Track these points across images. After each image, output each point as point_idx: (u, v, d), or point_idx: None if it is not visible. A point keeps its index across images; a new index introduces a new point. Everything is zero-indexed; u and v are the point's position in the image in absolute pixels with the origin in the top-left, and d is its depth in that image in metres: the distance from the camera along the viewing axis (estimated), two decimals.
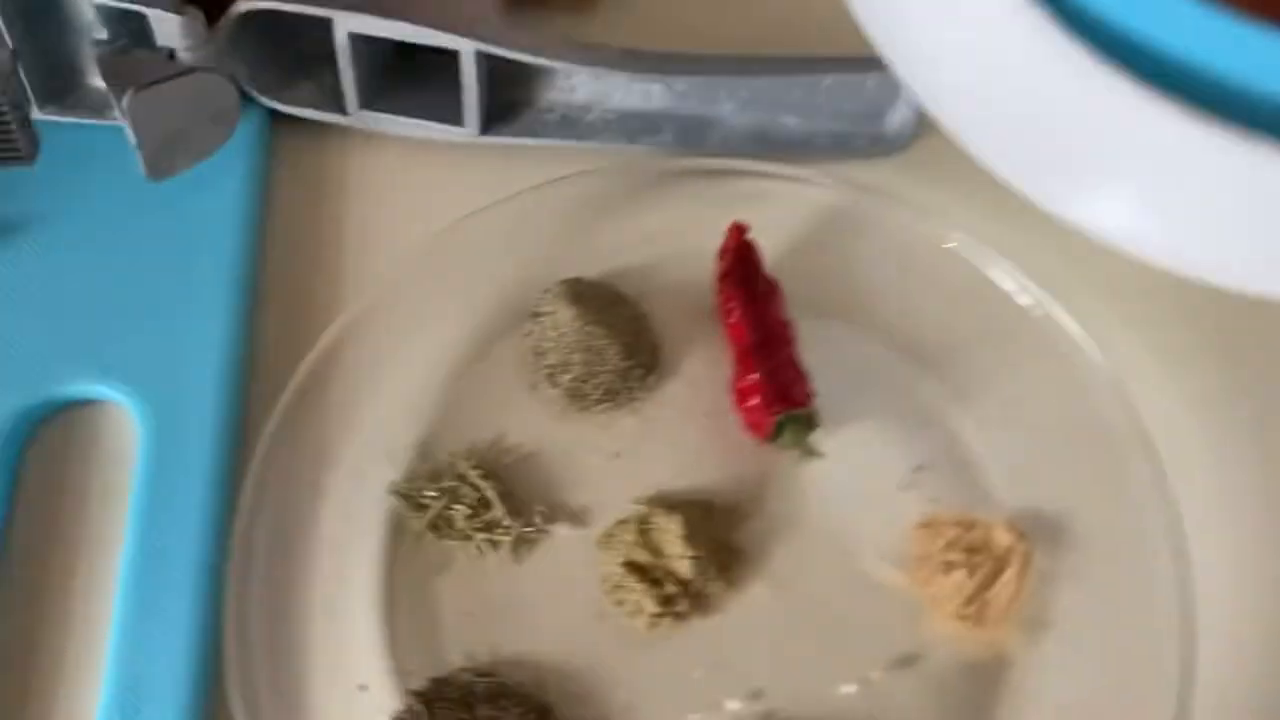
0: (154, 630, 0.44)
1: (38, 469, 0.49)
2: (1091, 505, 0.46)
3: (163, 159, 0.50)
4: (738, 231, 0.50)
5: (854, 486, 0.47)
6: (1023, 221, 0.53)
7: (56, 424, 0.50)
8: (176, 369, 0.49)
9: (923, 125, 0.55)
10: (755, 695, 0.43)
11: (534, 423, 0.49)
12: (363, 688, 0.43)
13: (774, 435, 0.46)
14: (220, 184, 0.54)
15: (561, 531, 0.47)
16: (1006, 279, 0.50)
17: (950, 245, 0.51)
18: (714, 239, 0.51)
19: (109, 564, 0.46)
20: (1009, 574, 0.45)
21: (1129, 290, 0.52)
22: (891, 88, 0.53)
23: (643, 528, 0.46)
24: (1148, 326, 0.52)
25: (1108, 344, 0.48)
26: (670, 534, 0.45)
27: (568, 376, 0.49)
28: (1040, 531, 0.45)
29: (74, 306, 0.52)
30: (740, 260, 0.50)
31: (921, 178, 0.55)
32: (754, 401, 0.46)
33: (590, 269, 0.52)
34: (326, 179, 0.57)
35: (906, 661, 0.44)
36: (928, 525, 0.46)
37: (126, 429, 0.50)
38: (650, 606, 0.44)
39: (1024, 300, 0.49)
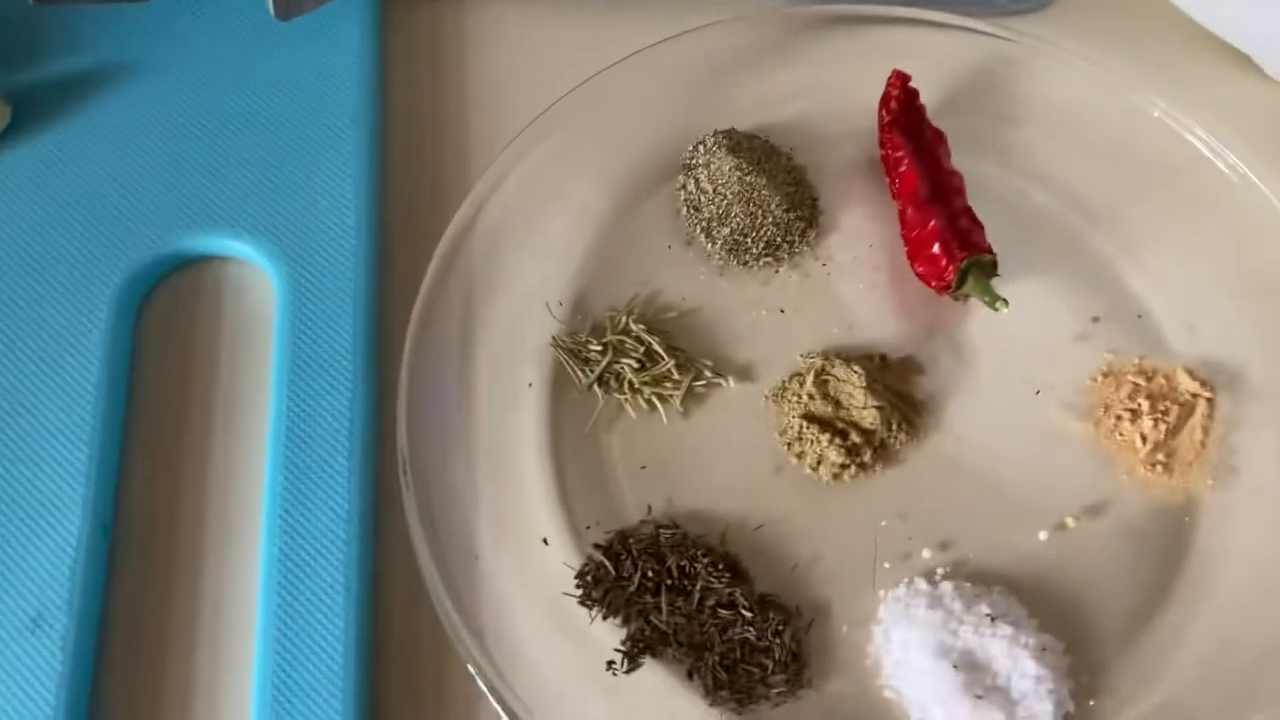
0: (310, 498, 0.41)
1: (160, 326, 0.46)
2: (1271, 354, 0.45)
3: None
4: (901, 79, 0.48)
5: (1030, 338, 0.46)
6: (1176, 71, 0.52)
7: (182, 280, 0.47)
8: (311, 223, 0.47)
9: None
10: (945, 545, 0.42)
11: (692, 279, 0.47)
12: (544, 541, 0.41)
13: (956, 284, 0.44)
14: (342, 33, 0.51)
15: (731, 386, 0.45)
16: (1175, 125, 0.48)
17: (1119, 95, 0.49)
18: (865, 91, 0.49)
19: (256, 429, 0.44)
20: (1194, 420, 0.44)
21: None
22: None
23: (820, 379, 0.44)
24: None
25: (1277, 190, 0.47)
26: (851, 385, 0.43)
27: (726, 230, 0.47)
28: (1221, 380, 0.45)
29: (197, 155, 0.48)
30: (905, 108, 0.48)
31: (1064, 34, 0.53)
32: (933, 249, 0.45)
33: (739, 122, 0.49)
34: (448, 34, 0.54)
35: (1096, 510, 0.43)
36: (1109, 374, 0.45)
37: (260, 287, 0.47)
38: (835, 457, 0.42)
39: (1195, 148, 0.48)
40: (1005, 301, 0.44)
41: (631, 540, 0.41)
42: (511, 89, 0.52)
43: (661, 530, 0.42)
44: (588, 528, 0.42)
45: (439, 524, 0.40)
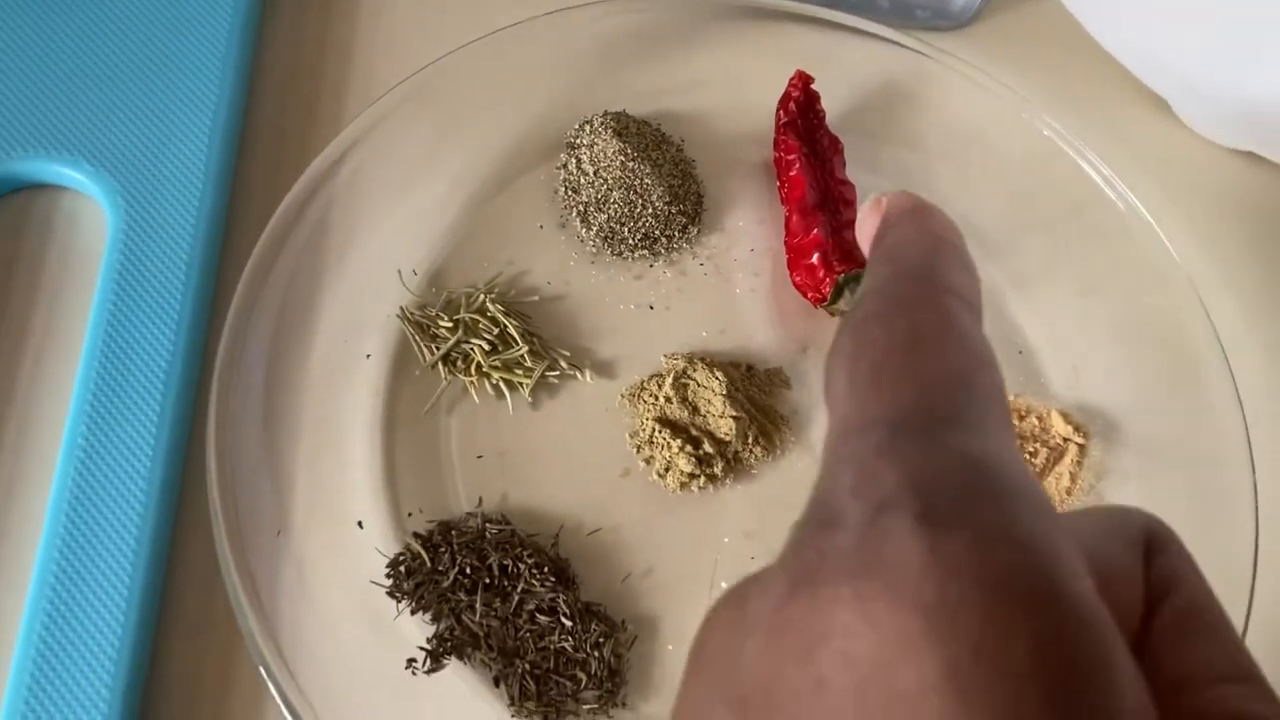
0: (112, 449, 0.38)
1: None
2: (1153, 405, 0.43)
3: None
4: (803, 80, 0.46)
5: None
6: (1091, 108, 0.51)
7: (9, 207, 0.44)
8: (157, 160, 0.43)
9: (988, 3, 0.51)
10: None
11: (561, 264, 0.44)
12: (359, 524, 0.38)
13: (831, 297, 0.42)
14: None
15: (587, 380, 0.42)
16: (1081, 162, 0.47)
17: (1024, 121, 0.47)
18: (768, 90, 0.47)
19: (65, 372, 0.41)
20: (1063, 465, 0.42)
21: (1202, 188, 0.49)
22: None
23: (680, 383, 0.42)
24: (1217, 228, 0.49)
25: (1176, 240, 0.45)
26: (711, 392, 0.41)
27: (603, 216, 0.44)
28: (1096, 427, 0.43)
29: (39, 74, 0.45)
30: (804, 111, 0.45)
31: (981, 55, 0.51)
32: (812, 259, 0.42)
33: (634, 107, 0.47)
34: None
35: None
36: None
37: (94, 221, 0.43)
38: (684, 465, 0.40)
39: (1098, 186, 0.46)
40: None
41: (455, 532, 0.38)
42: (403, 38, 0.49)
43: (489, 525, 0.39)
44: (410, 515, 0.39)
45: (242, 493, 0.37)
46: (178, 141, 0.43)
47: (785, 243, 0.44)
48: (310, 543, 0.38)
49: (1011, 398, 0.43)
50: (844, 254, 0.42)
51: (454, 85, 0.45)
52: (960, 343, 0.20)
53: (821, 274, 0.42)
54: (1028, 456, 0.42)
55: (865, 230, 0.28)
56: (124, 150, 0.43)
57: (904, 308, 0.21)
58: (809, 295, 0.43)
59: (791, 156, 0.44)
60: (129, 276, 0.41)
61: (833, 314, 0.43)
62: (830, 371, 0.22)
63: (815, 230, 0.43)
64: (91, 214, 0.44)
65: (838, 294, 0.42)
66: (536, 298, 0.43)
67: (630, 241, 0.44)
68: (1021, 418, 0.43)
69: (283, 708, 0.34)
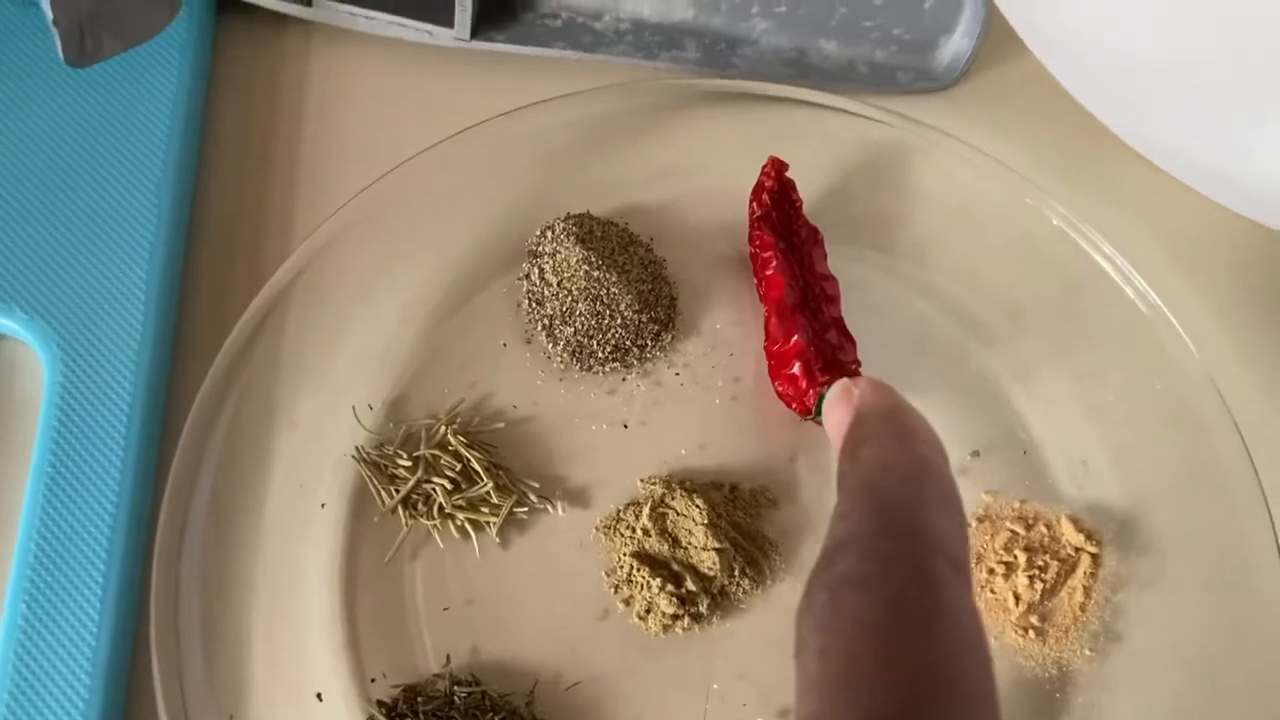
0: (57, 626, 0.36)
1: None
2: (1172, 503, 0.40)
3: (86, 39, 0.41)
4: (776, 168, 0.42)
5: None
6: (1088, 171, 0.48)
7: None
8: (94, 303, 0.41)
9: (973, 61, 0.48)
10: (786, 713, 0.37)
11: (528, 383, 0.42)
12: (319, 696, 0.36)
13: (815, 409, 0.39)
14: (154, 81, 0.45)
15: (559, 513, 0.39)
16: (1081, 241, 0.43)
17: (1020, 199, 0.44)
18: (742, 177, 0.44)
19: (4, 535, 0.38)
20: (1076, 579, 0.39)
21: (1211, 257, 0.46)
22: (953, 10, 0.46)
23: (658, 512, 0.39)
24: (1230, 302, 0.45)
25: (1188, 321, 0.42)
26: (691, 521, 0.38)
27: (570, 330, 0.41)
28: (1110, 530, 0.40)
29: None
30: (778, 202, 0.42)
31: (967, 120, 0.48)
32: (793, 369, 0.39)
33: (598, 205, 0.44)
34: (282, 84, 0.48)
35: None
36: (985, 519, 0.40)
37: (30, 372, 0.41)
38: (666, 606, 0.37)
39: (1099, 264, 0.43)
40: None
41: (420, 699, 0.36)
42: (349, 157, 0.46)
43: (457, 688, 0.36)
44: (373, 680, 0.36)
45: (190, 671, 0.35)
46: (114, 286, 0.41)
47: (765, 348, 0.41)
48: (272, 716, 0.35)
49: (1017, 504, 0.40)
50: (827, 361, 0.39)
51: (403, 201, 0.43)
52: (948, 627, 0.18)
53: (804, 384, 0.39)
54: (1037, 571, 0.38)
55: (834, 421, 0.26)
56: (59, 297, 0.41)
57: (887, 574, 0.18)
58: (793, 406, 0.40)
59: (767, 254, 0.41)
60: (69, 429, 0.39)
61: (819, 425, 0.40)
62: (801, 633, 0.19)
63: (795, 336, 0.40)
64: (29, 362, 0.41)
65: (820, 407, 0.39)
66: (502, 424, 0.41)
67: (600, 355, 0.41)
68: (1029, 527, 0.39)
69: None
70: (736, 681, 0.37)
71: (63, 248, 0.42)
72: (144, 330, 0.40)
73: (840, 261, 0.43)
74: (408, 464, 0.39)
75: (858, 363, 0.40)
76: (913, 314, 0.43)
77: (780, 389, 0.40)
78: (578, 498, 0.40)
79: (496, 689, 0.36)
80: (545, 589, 0.38)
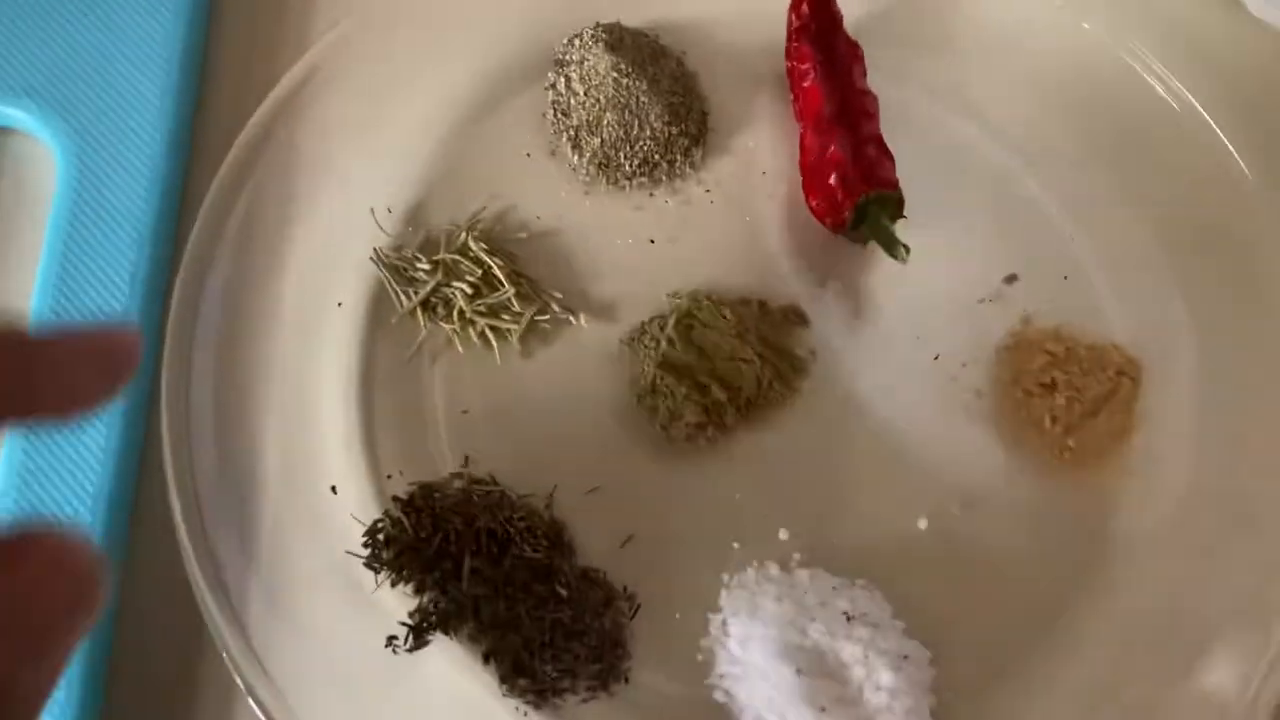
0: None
1: None
2: (1216, 327, 0.38)
3: None
4: None
5: (936, 294, 0.39)
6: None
7: None
8: (109, 100, 0.39)
9: None
10: (808, 526, 0.36)
11: (552, 196, 0.40)
12: (333, 489, 0.35)
13: (851, 222, 0.38)
14: None
15: (582, 325, 0.38)
16: (1128, 58, 0.41)
17: (1067, 20, 0.42)
18: None
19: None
20: (1115, 401, 0.38)
21: (1260, 78, 0.43)
22: None
23: (685, 324, 0.37)
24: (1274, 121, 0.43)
25: (1237, 142, 0.40)
26: (719, 332, 0.37)
27: (596, 141, 0.40)
28: (1151, 354, 0.38)
29: None
30: (818, 14, 0.40)
31: None
32: (830, 180, 0.38)
33: (629, 16, 0.42)
34: None
35: (988, 498, 0.36)
36: (1020, 342, 0.39)
37: (41, 166, 0.40)
38: (691, 415, 0.36)
39: (1148, 83, 0.41)
40: (906, 249, 0.37)
41: (438, 495, 0.35)
42: None
43: (475, 486, 0.35)
44: (389, 477, 0.36)
45: (201, 458, 0.34)
46: (132, 79, 0.40)
47: (800, 164, 0.40)
48: (279, 511, 0.34)
49: (1056, 327, 0.39)
50: (865, 173, 0.38)
51: (421, 6, 0.41)
52: None
53: (840, 196, 0.38)
54: (1074, 393, 0.37)
55: None
56: (74, 90, 0.39)
57: None
58: (827, 221, 0.39)
59: (805, 66, 0.40)
60: (81, 223, 0.38)
61: (854, 241, 0.39)
62: None
63: (832, 147, 0.38)
64: (41, 157, 0.40)
65: (859, 218, 0.38)
66: (525, 235, 0.39)
67: (627, 169, 0.40)
68: (1067, 350, 0.38)
69: (250, 701, 0.31)
70: (758, 494, 0.36)
71: (77, 38, 0.40)
72: (160, 121, 0.39)
73: (880, 80, 0.41)
74: (427, 267, 0.38)
75: (896, 180, 0.39)
76: (953, 135, 0.41)
77: (815, 204, 0.39)
78: (602, 311, 0.39)
79: (516, 491, 0.36)
80: (567, 398, 0.37)
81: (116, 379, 0.15)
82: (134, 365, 0.16)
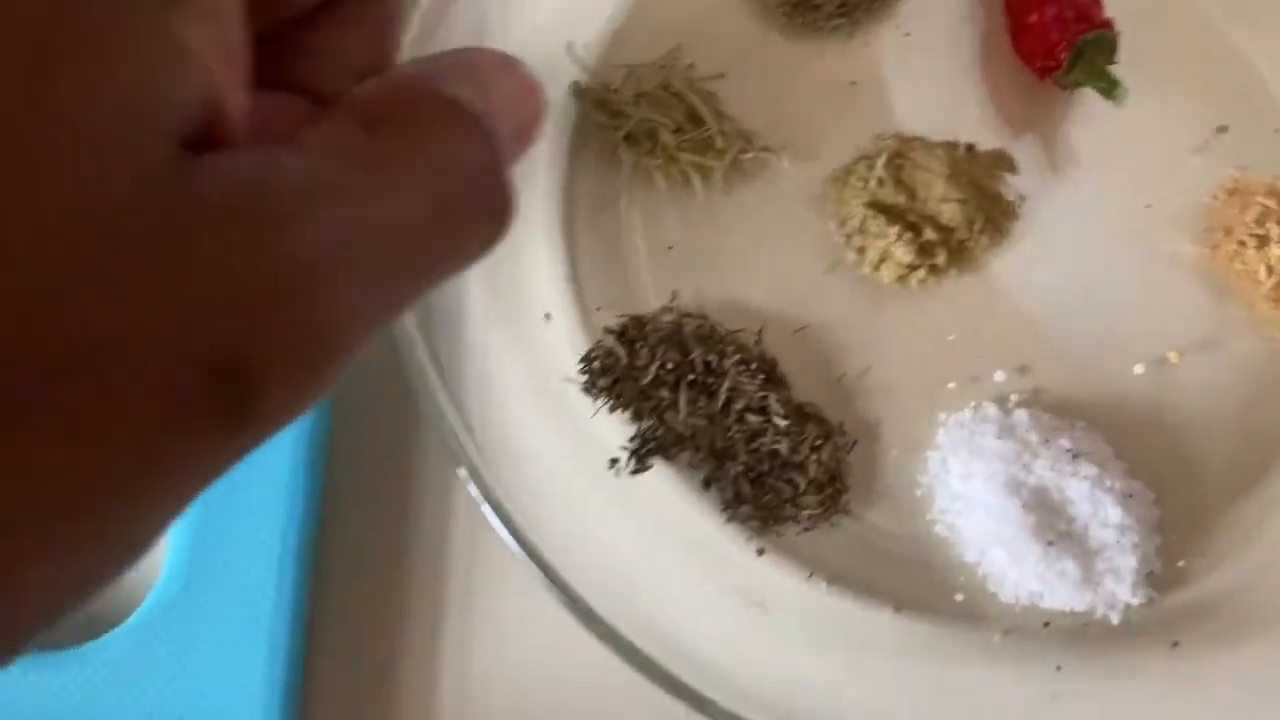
0: None
1: None
2: None
3: None
4: None
5: (1145, 143, 0.38)
6: None
7: None
8: None
9: None
10: (1023, 369, 0.35)
11: (752, 35, 0.39)
12: (546, 316, 0.35)
13: (1063, 66, 0.37)
14: None
15: (785, 165, 0.37)
16: None
17: None
18: None
19: None
20: None
21: None
22: None
23: (894, 164, 0.37)
24: None
25: None
26: (929, 172, 0.36)
27: None
28: None
29: None
30: None
31: None
32: (1038, 18, 0.37)
33: None
34: None
35: (1204, 346, 0.36)
36: (1234, 193, 0.38)
37: None
38: (902, 256, 0.35)
39: None
40: (1125, 89, 0.36)
41: (649, 327, 0.34)
42: None
43: (686, 319, 0.35)
44: (598, 309, 0.35)
45: None
46: None
47: (1004, 6, 0.38)
48: (493, 335, 0.34)
49: (1270, 179, 0.37)
50: (1080, 13, 0.36)
51: None
52: None
53: (1055, 37, 0.36)
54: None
55: None
56: None
57: None
58: (1036, 66, 0.37)
59: None
60: None
61: (1063, 87, 0.38)
62: None
63: None
64: None
65: (1074, 61, 0.37)
66: (723, 75, 0.38)
67: (826, 10, 0.39)
68: (1246, 207, 0.37)
69: (485, 506, 0.31)
70: (972, 336, 0.36)
71: None
72: None
73: None
74: (630, 100, 0.37)
75: (1110, 20, 0.37)
76: None
77: (1023, 48, 0.38)
78: (804, 152, 0.38)
79: (727, 326, 0.35)
80: (772, 236, 0.37)
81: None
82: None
